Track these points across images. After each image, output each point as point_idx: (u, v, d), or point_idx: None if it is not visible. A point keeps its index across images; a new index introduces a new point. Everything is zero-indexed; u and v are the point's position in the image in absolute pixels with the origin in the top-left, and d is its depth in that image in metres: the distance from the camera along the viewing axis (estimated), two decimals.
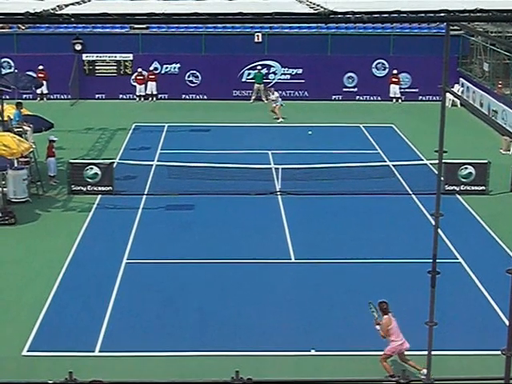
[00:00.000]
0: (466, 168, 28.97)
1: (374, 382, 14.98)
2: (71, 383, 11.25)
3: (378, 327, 16.73)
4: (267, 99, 42.73)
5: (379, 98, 45.40)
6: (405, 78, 45.61)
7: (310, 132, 35.21)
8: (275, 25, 45.01)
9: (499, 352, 10.18)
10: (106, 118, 40.42)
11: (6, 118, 29.57)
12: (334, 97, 45.38)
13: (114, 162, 29.86)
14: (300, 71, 45.40)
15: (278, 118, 40.12)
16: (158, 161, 32.31)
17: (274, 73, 45.56)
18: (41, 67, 44.12)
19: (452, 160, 27.55)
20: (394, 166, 31.23)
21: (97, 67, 45.42)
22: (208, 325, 19.26)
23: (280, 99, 40.73)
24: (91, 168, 28.79)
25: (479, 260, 23.07)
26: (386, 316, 16.55)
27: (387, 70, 45.54)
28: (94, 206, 27.61)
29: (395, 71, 45.05)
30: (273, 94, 41.17)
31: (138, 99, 45.30)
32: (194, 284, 21.55)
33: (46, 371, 16.28)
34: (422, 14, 8.09)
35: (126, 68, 45.45)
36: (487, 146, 34.75)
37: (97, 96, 45.19)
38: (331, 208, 27.51)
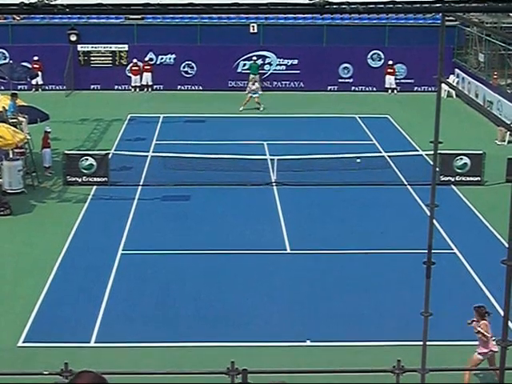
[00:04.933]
0: (462, 159, 29.01)
1: (369, 372, 15.00)
2: (67, 374, 11.28)
3: (479, 334, 16.17)
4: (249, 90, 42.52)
5: (375, 89, 45.38)
6: (400, 69, 45.61)
7: (358, 160, 32.19)
8: (270, 15, 44.91)
9: (494, 342, 10.19)
10: (101, 108, 40.36)
11: (0, 109, 29.52)
12: (329, 87, 45.34)
13: (109, 153, 29.86)
14: (295, 62, 45.37)
15: (258, 108, 40.25)
16: (153, 152, 32.30)
17: (270, 63, 45.53)
18: (36, 58, 44.00)
19: (447, 151, 27.55)
20: (389, 156, 31.24)
21: (92, 58, 45.33)
22: (204, 315, 19.29)
23: (260, 92, 40.78)
24: (86, 159, 28.77)
25: (474, 250, 23.12)
26: (484, 321, 16.17)
27: (383, 60, 45.52)
28: (90, 196, 27.60)
29: (391, 62, 45.05)
30: (253, 84, 41.20)
31: (133, 90, 45.24)
32: (190, 275, 21.57)
33: (42, 362, 16.28)
34: (418, 5, 8.06)
35: (122, 59, 45.36)
36: (482, 136, 34.78)
37: (92, 87, 45.11)
38: (327, 199, 27.52)
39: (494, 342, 15.93)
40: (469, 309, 19.47)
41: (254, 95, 40.44)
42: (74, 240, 23.85)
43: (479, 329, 16.14)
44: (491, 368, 15.83)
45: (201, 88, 45.21)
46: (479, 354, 16.15)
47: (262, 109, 39.90)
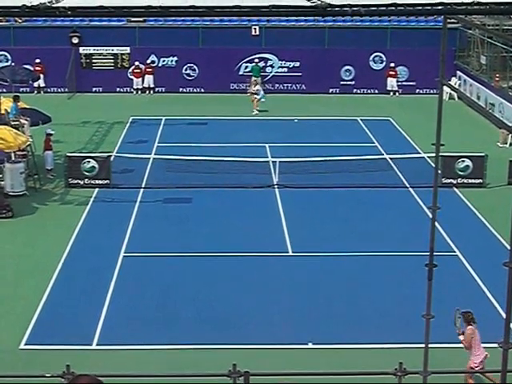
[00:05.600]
0: (463, 161, 29.00)
1: (371, 374, 14.99)
2: (69, 376, 11.27)
3: (461, 337, 16.21)
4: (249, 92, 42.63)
5: (376, 91, 45.38)
6: (402, 71, 45.59)
7: (295, 120, 36.49)
8: (272, 18, 44.94)
9: (496, 345, 10.18)
10: (103, 111, 40.37)
11: (2, 112, 29.55)
12: (331, 90, 45.35)
13: (111, 156, 29.87)
14: (297, 64, 45.37)
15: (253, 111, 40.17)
16: (155, 154, 32.29)
17: (272, 66, 45.53)
18: (38, 60, 44.05)
19: (449, 153, 27.55)
20: (391, 158, 31.23)
21: (94, 60, 45.35)
22: (205, 318, 19.28)
23: (262, 92, 40.67)
24: (88, 161, 28.78)
25: (476, 253, 23.10)
26: (470, 327, 16.12)
27: (384, 63, 45.51)
28: (92, 199, 27.60)
29: (392, 64, 45.03)
30: (254, 86, 41.22)
31: (135, 92, 45.26)
32: (192, 277, 21.56)
33: (44, 364, 16.29)
34: (420, 7, 8.08)
35: (123, 61, 45.37)
36: (484, 139, 34.76)
37: (94, 89, 45.13)
38: (328, 201, 27.52)
39: (481, 352, 15.96)
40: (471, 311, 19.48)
41: (257, 96, 40.49)
42: (75, 242, 23.85)
43: (461, 338, 16.12)
44: (493, 370, 15.79)
45: (203, 90, 45.22)
46: (474, 363, 16.08)
47: (255, 113, 39.87)
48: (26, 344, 18.01)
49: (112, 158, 29.64)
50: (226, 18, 44.16)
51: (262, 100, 40.32)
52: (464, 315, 16.30)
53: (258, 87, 41.08)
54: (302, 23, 46.34)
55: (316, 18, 43.41)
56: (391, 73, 45.18)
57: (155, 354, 17.65)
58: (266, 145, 33.85)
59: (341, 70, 45.47)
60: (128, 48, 45.26)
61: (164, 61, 45.47)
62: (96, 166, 28.68)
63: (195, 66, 45.36)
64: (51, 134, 30.39)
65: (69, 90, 44.32)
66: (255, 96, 40.39)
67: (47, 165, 29.91)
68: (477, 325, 16.28)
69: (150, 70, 45.07)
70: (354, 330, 18.67)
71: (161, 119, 38.87)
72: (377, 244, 23.78)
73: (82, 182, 28.66)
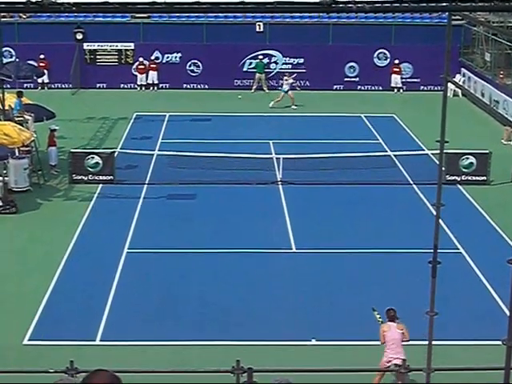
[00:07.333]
0: (467, 158, 28.96)
1: (374, 371, 15.01)
2: (72, 372, 11.29)
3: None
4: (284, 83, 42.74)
5: (381, 88, 45.32)
6: (406, 68, 45.53)
7: (239, 96, 40.25)
8: (277, 14, 44.92)
9: (500, 342, 10.18)
10: (107, 107, 40.39)
11: (6, 107, 29.56)
12: (335, 86, 45.31)
13: (115, 152, 29.86)
14: (301, 61, 45.34)
15: (293, 105, 40.51)
16: (159, 150, 32.28)
17: (276, 62, 45.51)
18: (42, 56, 44.04)
19: (453, 150, 27.50)
20: (395, 155, 31.21)
21: (98, 56, 45.36)
22: (209, 314, 19.30)
23: (284, 87, 40.94)
24: (92, 157, 28.79)
25: (480, 250, 23.08)
26: (388, 323, 16.18)
27: (389, 59, 45.46)
28: (95, 195, 27.62)
29: (397, 61, 44.98)
30: (288, 79, 41.30)
31: (139, 88, 45.25)
32: (195, 273, 21.58)
33: (48, 360, 16.28)
34: (424, 4, 8.06)
35: (128, 57, 45.38)
36: (488, 136, 34.72)
37: (98, 85, 45.14)
38: (332, 198, 27.51)
39: (396, 355, 15.69)
40: (474, 308, 19.52)
41: (287, 91, 40.65)
42: (79, 238, 23.87)
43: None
44: (496, 368, 15.76)
45: (206, 87, 45.21)
46: (383, 361, 15.89)
47: (294, 107, 40.26)
48: (29, 339, 18.04)
49: (116, 154, 29.65)
50: (230, 14, 44.20)
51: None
52: (386, 312, 16.23)
53: (289, 81, 41.09)
54: (306, 20, 46.28)
55: (320, 14, 43.40)
56: (395, 69, 45.12)
57: (158, 349, 17.66)
58: (270, 141, 33.84)
59: (345, 66, 45.43)
60: (132, 44, 45.25)
61: (168, 57, 45.46)
62: (100, 161, 28.70)
63: (199, 63, 45.34)
64: (55, 130, 30.42)
65: (73, 85, 44.33)
66: (289, 92, 40.51)
67: (51, 161, 29.94)
68: (402, 325, 16.04)
69: (154, 66, 45.06)
70: (357, 326, 18.66)
71: (165, 115, 38.88)
72: (380, 241, 23.77)
73: (85, 178, 28.67)
